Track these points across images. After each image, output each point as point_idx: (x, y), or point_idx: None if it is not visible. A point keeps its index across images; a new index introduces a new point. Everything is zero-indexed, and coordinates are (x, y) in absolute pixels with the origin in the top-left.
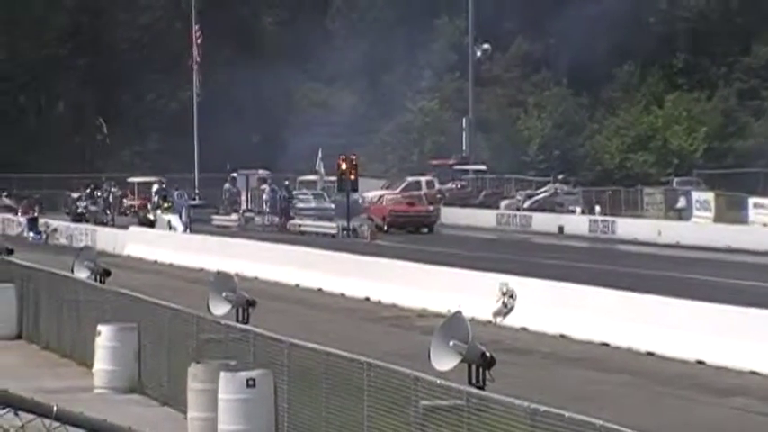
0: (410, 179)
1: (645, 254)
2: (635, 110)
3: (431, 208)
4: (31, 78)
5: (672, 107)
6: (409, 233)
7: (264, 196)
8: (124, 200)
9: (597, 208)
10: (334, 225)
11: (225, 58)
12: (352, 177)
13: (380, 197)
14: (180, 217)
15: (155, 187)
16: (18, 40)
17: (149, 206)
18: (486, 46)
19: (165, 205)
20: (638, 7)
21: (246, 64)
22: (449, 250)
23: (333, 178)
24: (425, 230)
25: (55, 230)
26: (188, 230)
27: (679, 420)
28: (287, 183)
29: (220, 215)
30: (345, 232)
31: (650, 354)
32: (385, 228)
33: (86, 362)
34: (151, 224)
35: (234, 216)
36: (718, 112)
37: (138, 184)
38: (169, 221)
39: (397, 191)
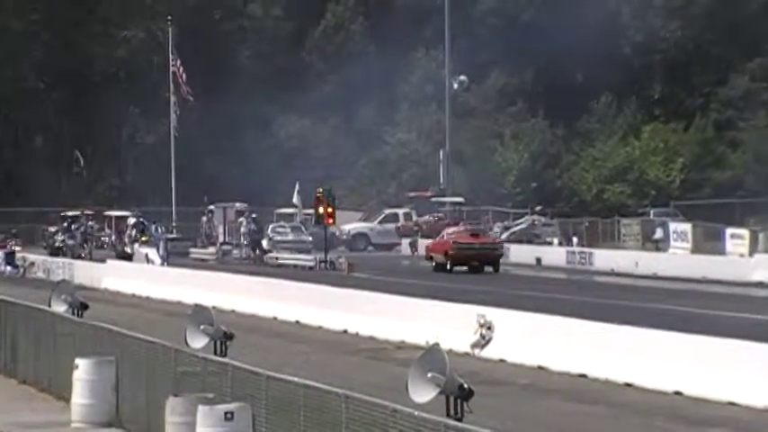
0: (387, 211)
1: (622, 285)
2: (612, 141)
3: (498, 240)
4: (9, 111)
5: (648, 138)
6: (472, 271)
7: (242, 229)
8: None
9: (574, 239)
10: (311, 257)
11: (202, 91)
12: (330, 210)
13: (441, 233)
14: (157, 250)
15: (131, 221)
16: None
17: (126, 239)
18: (462, 78)
19: (143, 238)
20: (614, 39)
21: (224, 97)
22: (426, 282)
23: (310, 211)
24: (491, 269)
25: (32, 264)
26: (165, 264)
27: None
28: (254, 215)
29: (198, 248)
30: (323, 264)
31: (628, 385)
32: (448, 266)
33: (64, 395)
34: (129, 258)
35: (211, 249)
36: (694, 143)
37: (116, 217)
38: (147, 255)
39: (375, 222)
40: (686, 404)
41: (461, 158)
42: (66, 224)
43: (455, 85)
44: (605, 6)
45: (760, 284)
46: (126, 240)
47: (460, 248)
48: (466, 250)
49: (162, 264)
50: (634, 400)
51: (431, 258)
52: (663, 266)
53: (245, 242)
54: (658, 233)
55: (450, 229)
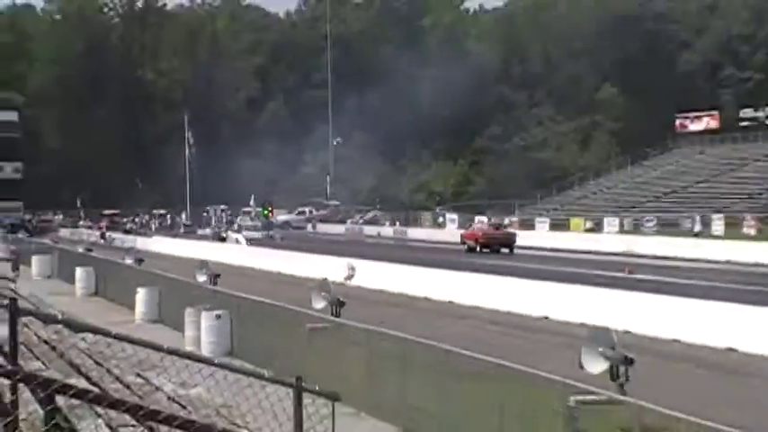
0: (300, 208)
1: (421, 247)
2: (421, 171)
3: (512, 231)
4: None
5: (436, 169)
6: (493, 252)
7: (222, 219)
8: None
9: (397, 223)
10: (260, 234)
11: (204, 138)
12: (270, 209)
13: (470, 225)
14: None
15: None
16: None
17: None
18: (339, 139)
19: (235, 227)
20: (424, 108)
21: (215, 143)
22: (321, 246)
23: (259, 209)
24: (507, 250)
25: (113, 238)
26: (249, 244)
27: (438, 332)
28: (228, 211)
29: (200, 231)
30: (267, 237)
31: (426, 299)
32: (478, 248)
33: (132, 307)
34: (223, 240)
35: (207, 230)
36: (460, 173)
37: (159, 214)
38: (237, 239)
39: (294, 214)
40: (453, 307)
41: (341, 180)
42: (131, 218)
43: (335, 143)
44: (420, 86)
45: None
46: (222, 227)
47: (488, 237)
48: (492, 239)
49: (247, 244)
50: (427, 306)
51: (464, 243)
52: (444, 237)
53: (224, 227)
54: (441, 219)
55: (479, 225)
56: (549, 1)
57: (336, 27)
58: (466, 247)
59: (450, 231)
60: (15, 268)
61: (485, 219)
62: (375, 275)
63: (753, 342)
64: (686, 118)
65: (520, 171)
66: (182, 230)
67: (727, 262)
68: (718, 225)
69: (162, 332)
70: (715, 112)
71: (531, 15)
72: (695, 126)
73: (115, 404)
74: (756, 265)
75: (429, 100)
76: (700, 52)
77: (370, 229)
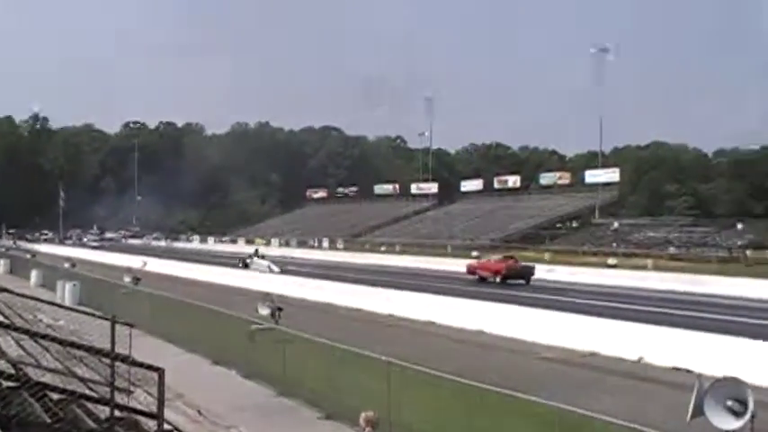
0: (120, 231)
1: (182, 251)
2: (181, 213)
3: (530, 264)
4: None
5: (190, 212)
6: (507, 283)
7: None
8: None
9: (168, 239)
10: (98, 243)
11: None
12: (103, 230)
13: (478, 257)
14: (272, 263)
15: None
16: None
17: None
18: (139, 197)
19: (260, 254)
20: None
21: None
22: (129, 250)
23: (98, 230)
24: (523, 281)
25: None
26: (279, 271)
27: (190, 294)
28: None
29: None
30: (103, 244)
31: (187, 279)
32: (498, 279)
33: (29, 279)
34: (246, 266)
35: (69, 241)
36: (203, 215)
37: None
38: (269, 266)
39: (116, 234)
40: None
41: (141, 217)
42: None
43: (138, 199)
44: (184, 173)
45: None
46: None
47: (510, 270)
48: (512, 271)
49: (279, 272)
50: (190, 282)
51: (473, 273)
52: (192, 247)
53: (77, 238)
54: (192, 238)
55: (494, 258)
56: (250, 131)
57: (143, 140)
58: (477, 277)
59: (194, 245)
60: None
61: (476, 253)
62: (157, 265)
63: (370, 303)
64: (311, 191)
65: (231, 215)
66: (56, 241)
67: (337, 262)
68: (325, 243)
69: (44, 292)
70: (326, 189)
71: (239, 138)
72: (317, 195)
73: (17, 329)
74: (342, 262)
75: (189, 178)
76: (318, 160)
77: (155, 243)
